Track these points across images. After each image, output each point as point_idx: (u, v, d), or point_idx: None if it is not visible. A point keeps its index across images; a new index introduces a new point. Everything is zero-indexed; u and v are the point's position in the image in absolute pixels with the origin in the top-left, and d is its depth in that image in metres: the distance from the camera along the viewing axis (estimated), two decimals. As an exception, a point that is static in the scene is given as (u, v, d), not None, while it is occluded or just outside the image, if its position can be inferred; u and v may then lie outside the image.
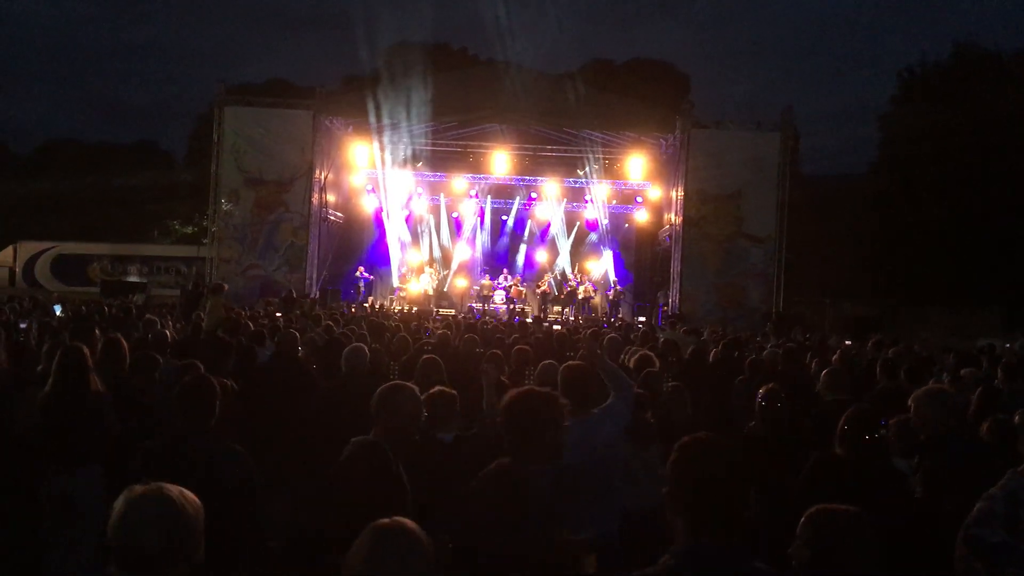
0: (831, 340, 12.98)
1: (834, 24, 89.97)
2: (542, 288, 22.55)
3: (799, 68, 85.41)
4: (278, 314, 13.29)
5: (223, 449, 3.31)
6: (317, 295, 20.29)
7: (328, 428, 4.49)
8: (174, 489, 1.89)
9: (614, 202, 24.09)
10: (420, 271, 23.31)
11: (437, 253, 24.61)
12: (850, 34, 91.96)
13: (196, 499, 1.92)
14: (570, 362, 4.04)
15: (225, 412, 4.24)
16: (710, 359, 7.82)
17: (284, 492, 4.40)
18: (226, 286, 12.97)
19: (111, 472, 3.82)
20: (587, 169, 23.06)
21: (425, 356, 5.07)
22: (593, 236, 24.47)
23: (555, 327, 14.04)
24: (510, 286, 22.51)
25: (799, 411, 4.96)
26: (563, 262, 24.28)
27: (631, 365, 6.08)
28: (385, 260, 23.71)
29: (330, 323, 9.60)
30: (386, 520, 1.85)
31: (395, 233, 23.68)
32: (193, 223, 36.24)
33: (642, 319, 20.20)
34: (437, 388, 4.07)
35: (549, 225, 24.71)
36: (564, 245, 24.43)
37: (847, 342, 12.24)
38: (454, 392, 4.12)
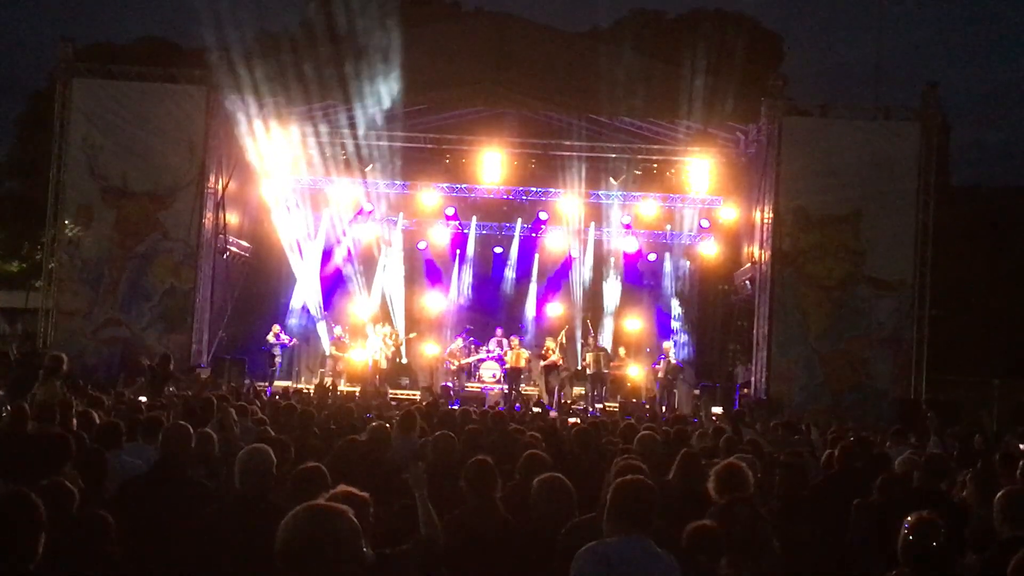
0: (1007, 440, 13.05)
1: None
2: (548, 359, 22.49)
3: (950, 29, 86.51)
4: (142, 399, 13.19)
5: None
6: (209, 368, 20.29)
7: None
8: None
9: (668, 228, 24.27)
10: (365, 333, 23.40)
11: (388, 305, 24.69)
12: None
13: None
14: (627, 476, 4.71)
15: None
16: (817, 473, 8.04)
17: None
18: (65, 359, 12.30)
19: None
20: (624, 177, 23.32)
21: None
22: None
23: (571, 420, 14.35)
24: (507, 353, 22.61)
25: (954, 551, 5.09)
26: (607, 327, 24.51)
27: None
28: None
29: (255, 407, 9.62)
30: None
31: (316, 273, 23.93)
32: (20, 256, 36.36)
33: (718, 410, 20.11)
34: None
35: (569, 261, 24.82)
36: (611, 293, 24.73)
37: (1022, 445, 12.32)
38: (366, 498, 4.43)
